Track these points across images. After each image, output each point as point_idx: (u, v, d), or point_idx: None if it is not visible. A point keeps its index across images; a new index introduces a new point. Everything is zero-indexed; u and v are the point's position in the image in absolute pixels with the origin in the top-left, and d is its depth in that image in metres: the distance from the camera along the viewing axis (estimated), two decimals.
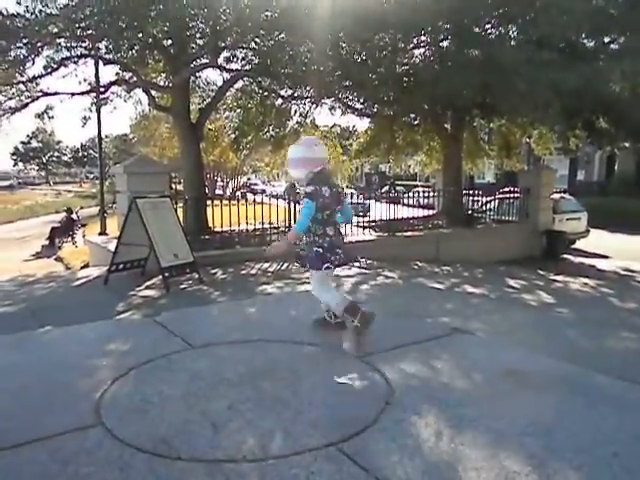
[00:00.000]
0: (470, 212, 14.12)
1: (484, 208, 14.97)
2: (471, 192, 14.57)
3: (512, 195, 14.90)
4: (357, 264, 2.92)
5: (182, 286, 6.60)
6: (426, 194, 17.69)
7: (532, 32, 9.81)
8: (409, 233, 11.75)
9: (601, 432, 1.60)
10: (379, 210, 12.51)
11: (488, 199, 15.31)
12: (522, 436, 1.57)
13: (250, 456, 1.46)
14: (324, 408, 1.78)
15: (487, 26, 11.44)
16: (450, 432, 1.60)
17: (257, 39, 8.44)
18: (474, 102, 11.72)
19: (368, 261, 8.64)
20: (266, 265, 8.08)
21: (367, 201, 20.28)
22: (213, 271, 7.60)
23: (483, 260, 10.73)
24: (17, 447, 1.50)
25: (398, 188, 22.27)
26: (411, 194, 17.95)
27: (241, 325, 2.81)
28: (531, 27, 9.82)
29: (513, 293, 7.33)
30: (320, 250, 2.71)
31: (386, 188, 24.30)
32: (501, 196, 15.71)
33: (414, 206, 17.64)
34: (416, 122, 13.98)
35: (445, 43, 11.97)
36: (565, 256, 13.64)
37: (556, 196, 15.83)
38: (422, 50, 12.31)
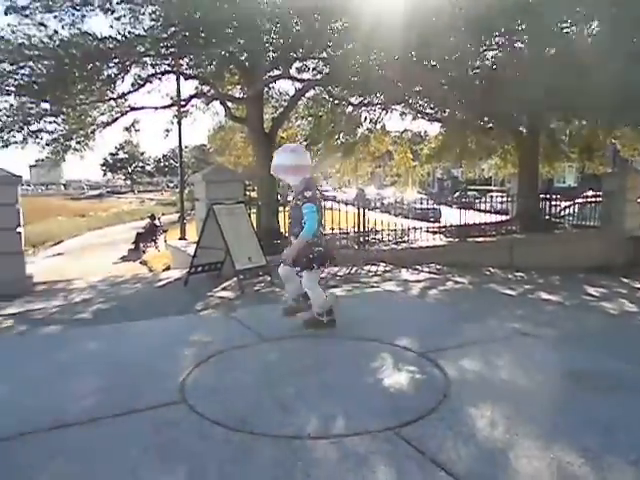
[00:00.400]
0: (547, 217, 13.58)
1: (563, 213, 14.35)
2: (548, 196, 14.00)
3: (594, 199, 14.18)
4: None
5: (255, 288, 6.91)
6: (499, 199, 17.22)
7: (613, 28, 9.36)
8: (481, 239, 11.49)
9: None
10: (451, 216, 12.36)
11: (567, 203, 14.66)
12: (578, 431, 1.61)
13: (314, 434, 1.61)
14: (383, 397, 1.90)
15: (565, 25, 11.04)
16: (505, 423, 1.67)
17: (327, 50, 8.67)
18: (551, 105, 11.31)
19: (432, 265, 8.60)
20: (336, 269, 8.25)
21: (438, 207, 19.96)
22: None
23: (561, 267, 10.28)
24: (116, 417, 1.74)
25: (470, 193, 21.76)
26: (483, 199, 17.54)
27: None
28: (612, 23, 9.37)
29: (591, 301, 7.03)
30: (321, 250, 2.92)
31: (457, 194, 23.82)
32: (582, 200, 14.98)
33: (488, 212, 17.20)
34: (489, 126, 13.64)
35: (520, 44, 11.66)
36: None
37: None
38: (495, 52, 12.06)
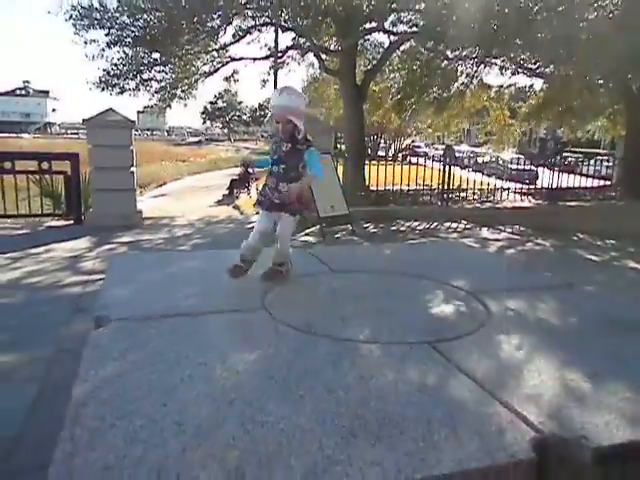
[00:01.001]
0: None
1: None
2: None
3: None
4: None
5: (336, 235, 7.33)
6: (605, 163, 16.09)
7: None
8: (573, 203, 11.04)
9: None
10: (551, 178, 11.87)
11: None
12: (594, 361, 1.83)
13: (363, 339, 1.99)
14: (428, 321, 2.22)
15: None
16: (529, 350, 1.93)
17: (422, 1, 8.57)
18: None
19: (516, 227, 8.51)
20: (416, 223, 8.46)
21: (535, 168, 19.08)
22: (366, 225, 8.21)
23: None
24: (212, 313, 2.23)
25: (572, 155, 20.45)
26: (588, 162, 16.46)
27: (376, 260, 3.33)
28: None
29: None
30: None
31: (560, 156, 22.42)
32: None
33: (592, 176, 16.21)
34: (597, 83, 12.71)
35: None
36: None
37: None
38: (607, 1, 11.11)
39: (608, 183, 14.38)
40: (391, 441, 1.34)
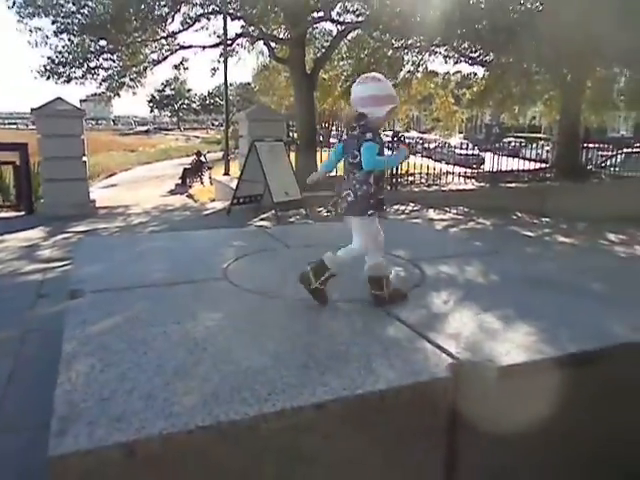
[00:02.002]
0: (587, 166, 13.56)
1: (607, 163, 14.23)
2: (591, 145, 13.90)
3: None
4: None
5: (291, 219, 7.61)
6: (546, 147, 17.02)
7: None
8: (513, 184, 11.74)
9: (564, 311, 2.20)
10: (495, 162, 12.53)
11: (612, 153, 14.49)
12: (508, 308, 2.21)
13: None
14: None
15: None
16: (455, 302, 2.29)
17: None
18: (597, 51, 11.11)
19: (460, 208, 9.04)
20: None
21: (481, 153, 19.91)
22: (319, 209, 8.51)
23: (593, 216, 10.46)
24: (178, 284, 2.48)
25: (513, 140, 21.46)
26: (530, 146, 17.35)
27: (327, 236, 3.64)
28: None
29: (606, 245, 7.39)
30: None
31: (507, 140, 23.44)
32: (628, 150, 14.76)
33: (534, 160, 17.15)
34: (532, 71, 13.44)
35: None
36: None
37: None
38: None
39: (546, 165, 15.25)
40: (338, 370, 1.65)
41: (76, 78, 10.46)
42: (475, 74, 17.84)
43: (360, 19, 10.55)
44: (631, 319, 2.12)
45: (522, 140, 22.41)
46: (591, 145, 13.91)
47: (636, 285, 2.73)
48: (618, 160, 14.18)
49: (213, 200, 11.25)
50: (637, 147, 14.12)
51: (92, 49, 10.14)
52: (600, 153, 14.16)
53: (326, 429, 1.48)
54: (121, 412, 1.39)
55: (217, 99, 67.73)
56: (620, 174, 13.56)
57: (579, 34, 9.79)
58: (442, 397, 1.64)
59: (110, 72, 11.24)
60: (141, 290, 2.37)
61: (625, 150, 14.63)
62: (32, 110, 7.49)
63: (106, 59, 10.79)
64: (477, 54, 13.41)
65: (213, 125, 72.55)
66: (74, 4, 8.95)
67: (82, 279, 2.51)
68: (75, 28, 9.28)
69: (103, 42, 10.15)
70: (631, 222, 10.24)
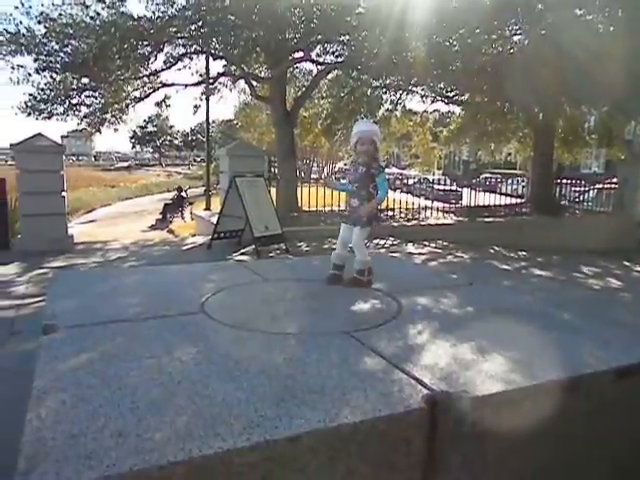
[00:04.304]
0: (561, 201, 13.94)
1: (580, 198, 14.66)
2: (564, 181, 14.33)
3: (611, 185, 14.45)
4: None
5: (271, 254, 7.62)
6: (523, 183, 17.47)
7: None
8: (490, 219, 11.98)
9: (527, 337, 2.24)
10: (473, 198, 12.82)
11: (584, 189, 14.95)
12: (478, 339, 2.25)
13: (292, 332, 2.30)
14: (348, 316, 2.57)
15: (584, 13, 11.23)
16: (430, 333, 2.32)
17: (346, 35, 9.19)
18: (567, 92, 11.61)
19: (439, 242, 9.17)
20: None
21: (460, 189, 20.34)
22: (299, 244, 8.57)
23: (567, 250, 10.69)
24: (155, 318, 2.46)
25: (491, 176, 22.00)
26: (507, 182, 17.77)
27: (306, 271, 3.67)
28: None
29: (580, 278, 7.54)
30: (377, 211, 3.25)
31: (481, 177, 24.01)
32: (599, 186, 15.24)
33: (511, 195, 17.58)
34: (506, 110, 13.96)
35: (541, 31, 11.90)
36: None
37: None
38: (516, 38, 12.33)
39: (522, 200, 15.63)
40: (313, 403, 1.65)
41: (58, 114, 10.50)
42: (452, 112, 18.39)
43: (339, 60, 10.88)
44: (600, 349, 2.17)
45: (498, 176, 23.01)
46: (564, 181, 14.36)
47: (607, 316, 2.80)
48: (590, 195, 14.63)
49: (194, 235, 11.21)
50: (608, 183, 14.58)
51: (74, 86, 10.24)
52: (573, 189, 14.61)
53: (301, 462, 1.47)
54: (91, 449, 1.37)
55: (199, 135, 68.23)
56: (592, 209, 13.97)
57: (549, 75, 10.24)
58: (417, 428, 1.64)
59: (92, 109, 11.32)
60: (116, 325, 2.34)
61: (597, 186, 15.12)
62: (11, 146, 7.48)
63: (88, 96, 10.89)
64: (453, 94, 13.90)
65: (195, 161, 72.92)
66: (57, 43, 9.08)
67: (56, 314, 2.48)
68: (58, 66, 9.38)
69: (85, 79, 10.26)
70: (603, 255, 10.51)
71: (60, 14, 9.11)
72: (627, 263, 10.02)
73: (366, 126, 3.26)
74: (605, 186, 14.94)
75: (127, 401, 1.64)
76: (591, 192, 14.76)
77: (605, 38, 10.46)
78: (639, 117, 14.65)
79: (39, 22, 9.16)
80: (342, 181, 3.75)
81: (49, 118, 10.33)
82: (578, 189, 14.70)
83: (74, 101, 10.51)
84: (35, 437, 1.43)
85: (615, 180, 14.15)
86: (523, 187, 17.80)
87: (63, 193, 7.74)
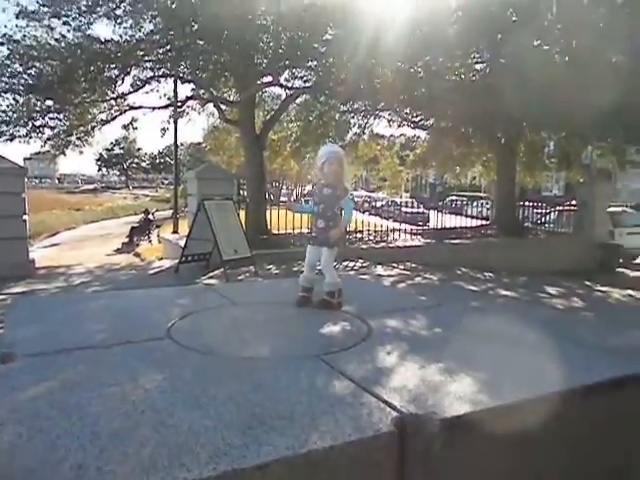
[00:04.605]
0: (523, 223, 14.33)
1: (542, 220, 15.11)
2: (526, 204, 14.76)
3: (571, 207, 14.96)
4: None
5: (240, 277, 7.55)
6: (488, 205, 17.89)
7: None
8: (457, 241, 12.19)
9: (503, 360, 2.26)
10: (439, 220, 13.05)
11: (545, 211, 15.42)
12: (447, 360, 2.27)
13: (261, 357, 2.27)
14: (317, 339, 2.56)
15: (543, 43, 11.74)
16: (399, 355, 2.32)
17: (314, 61, 9.36)
18: (527, 118, 12.05)
19: (408, 264, 9.27)
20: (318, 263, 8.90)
21: (427, 211, 20.68)
22: (268, 266, 8.52)
23: (531, 270, 10.94)
24: (119, 344, 2.39)
25: (457, 198, 22.47)
26: (472, 205, 18.16)
27: (274, 293, 3.64)
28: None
29: (545, 298, 7.71)
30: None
31: (448, 199, 24.52)
32: (560, 208, 15.76)
33: (476, 217, 17.96)
34: (470, 135, 14.37)
35: (501, 60, 12.37)
36: (621, 270, 13.54)
37: (618, 210, 15.67)
38: (478, 65, 12.77)
39: (487, 222, 16.00)
40: (282, 429, 1.62)
41: (20, 137, 10.27)
42: (418, 137, 18.84)
43: (307, 85, 11.04)
44: (565, 368, 2.22)
45: (464, 198, 23.54)
46: (527, 203, 14.80)
47: (570, 336, 2.87)
48: (551, 217, 15.11)
49: (161, 259, 11.03)
50: (568, 205, 15.09)
51: (38, 108, 10.05)
52: (535, 211, 15.05)
53: None
54: None
55: (167, 158, 67.69)
56: (554, 230, 14.40)
57: (510, 102, 10.61)
58: (387, 452, 1.63)
59: (56, 131, 11.12)
60: (78, 352, 2.27)
61: (557, 208, 15.62)
62: None
63: (52, 118, 10.70)
64: (418, 119, 14.24)
65: (163, 184, 72.20)
66: (21, 65, 8.93)
67: (15, 342, 2.38)
68: (21, 88, 9.21)
69: (50, 102, 10.09)
70: (565, 276, 10.81)
71: (24, 36, 9.00)
72: (588, 283, 10.32)
73: (334, 148, 3.33)
74: (565, 208, 15.46)
75: (88, 432, 1.57)
76: (552, 214, 15.22)
77: (561, 67, 10.97)
78: (595, 142, 15.31)
79: (1, 44, 9.01)
80: (305, 204, 3.71)
81: (11, 140, 10.09)
82: (540, 211, 15.15)
83: (37, 123, 10.31)
84: None
85: (574, 202, 14.66)
86: (487, 209, 18.23)
87: (24, 216, 7.52)
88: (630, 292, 9.34)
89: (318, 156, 3.21)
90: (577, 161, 16.84)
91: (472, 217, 16.95)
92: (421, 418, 1.73)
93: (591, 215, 13.57)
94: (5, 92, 9.27)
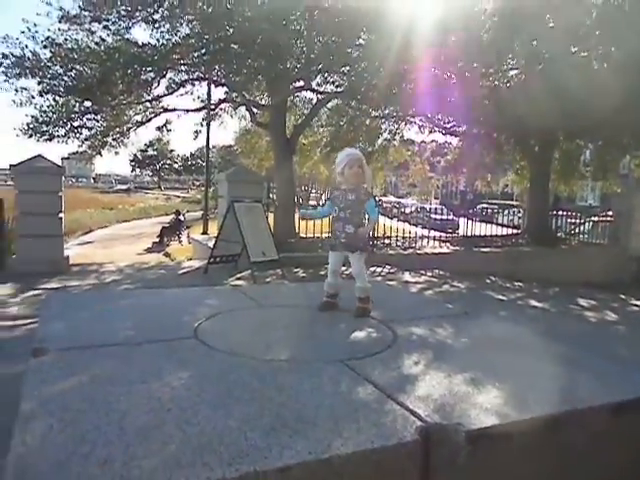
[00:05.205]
0: (557, 233, 14.01)
1: (576, 230, 14.74)
2: (560, 213, 14.43)
3: (606, 218, 14.56)
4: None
5: (267, 280, 7.60)
6: (519, 214, 17.56)
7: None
8: (487, 249, 11.99)
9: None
10: (470, 227, 12.88)
11: (580, 221, 15.04)
12: (473, 370, 2.23)
13: (286, 359, 2.28)
14: (342, 344, 2.55)
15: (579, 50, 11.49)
16: (424, 364, 2.29)
17: (346, 66, 9.38)
18: (563, 125, 11.80)
19: (436, 271, 9.17)
20: (343, 268, 8.89)
21: (457, 218, 20.45)
22: (295, 270, 8.55)
23: (563, 281, 10.68)
24: (148, 342, 2.43)
25: (487, 206, 22.14)
26: (503, 213, 17.85)
27: (301, 297, 3.65)
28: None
29: (577, 310, 7.52)
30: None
31: (481, 206, 24.16)
32: (595, 219, 15.35)
33: (507, 226, 17.66)
34: (503, 142, 14.14)
35: (538, 66, 12.14)
36: None
37: None
38: (514, 72, 12.57)
39: (518, 231, 15.70)
40: (305, 433, 1.62)
41: (59, 137, 10.57)
42: (449, 143, 18.63)
43: (339, 89, 11.06)
44: (596, 383, 2.15)
45: (495, 206, 23.17)
46: (560, 212, 14.46)
47: (603, 350, 2.78)
48: (586, 228, 14.72)
49: (190, 259, 11.19)
50: (603, 216, 14.68)
51: (76, 109, 10.34)
52: (569, 220, 14.70)
53: None
54: (76, 477, 1.34)
55: (199, 160, 68.72)
56: (588, 241, 14.03)
57: (545, 109, 10.41)
58: (410, 461, 1.61)
59: (93, 132, 11.41)
60: (107, 349, 2.31)
61: (592, 218, 15.22)
62: (11, 166, 7.51)
63: (90, 119, 10.97)
64: (450, 125, 14.10)
65: (194, 185, 73.30)
66: (61, 67, 9.22)
67: (47, 337, 2.45)
68: (61, 89, 9.49)
69: (88, 103, 10.36)
70: (598, 288, 10.51)
71: (66, 39, 9.29)
72: (622, 296, 10.01)
73: (353, 151, 3.26)
74: (600, 219, 15.05)
75: (115, 427, 1.60)
76: (587, 224, 14.84)
77: (599, 74, 10.71)
78: (633, 152, 14.88)
79: (44, 47, 9.32)
80: (313, 209, 3.67)
81: (50, 140, 10.39)
82: (574, 221, 14.78)
83: (76, 124, 10.60)
84: (19, 464, 1.40)
85: (610, 213, 14.25)
86: (519, 218, 17.89)
87: (61, 214, 7.74)
88: None
89: (337, 161, 3.17)
90: (614, 170, 16.41)
91: (503, 225, 16.64)
92: (447, 428, 1.70)
93: (627, 226, 13.16)
94: (46, 93, 9.57)
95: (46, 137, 10.31)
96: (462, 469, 1.64)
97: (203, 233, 14.57)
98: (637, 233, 13.28)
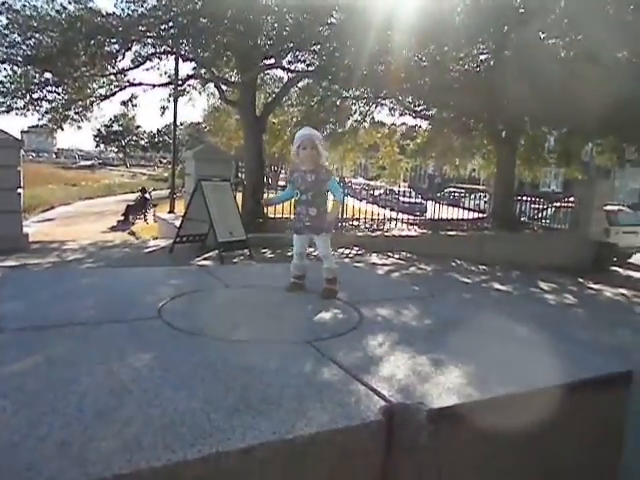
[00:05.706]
0: (520, 217, 14.34)
1: (539, 215, 15.11)
2: (524, 198, 14.76)
3: (568, 204, 14.96)
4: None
5: (234, 260, 7.53)
6: (485, 198, 17.87)
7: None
8: (453, 232, 12.19)
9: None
10: (437, 211, 13.03)
11: (543, 206, 15.42)
12: (436, 351, 2.27)
13: (252, 340, 2.26)
14: (308, 325, 2.55)
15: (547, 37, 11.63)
16: (389, 345, 2.32)
17: (317, 44, 9.25)
18: (529, 112, 11.98)
19: (403, 254, 9.27)
20: (310, 249, 8.88)
21: (424, 202, 20.66)
22: (263, 250, 8.50)
23: (526, 264, 10.96)
24: (110, 322, 2.37)
25: (455, 190, 22.44)
26: (470, 197, 18.12)
27: (267, 278, 3.63)
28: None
29: (538, 293, 7.73)
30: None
31: (448, 190, 24.48)
32: (557, 204, 15.77)
33: (473, 210, 17.94)
34: (471, 126, 14.29)
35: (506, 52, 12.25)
36: (615, 268, 13.59)
37: (614, 208, 15.68)
38: (483, 57, 12.65)
39: (484, 215, 16.00)
40: (269, 413, 1.61)
41: (17, 109, 10.12)
42: (419, 126, 18.67)
43: (310, 68, 10.91)
44: (555, 364, 2.22)
45: (462, 190, 23.50)
46: (524, 198, 14.79)
47: (562, 331, 2.87)
48: (548, 213, 15.11)
49: (156, 238, 10.99)
50: (565, 202, 15.08)
51: (36, 80, 9.89)
52: (533, 206, 15.06)
53: (253, 475, 1.43)
54: (31, 460, 1.29)
55: (166, 137, 67.13)
56: (550, 226, 14.42)
57: (512, 95, 10.55)
58: (374, 440, 1.63)
59: (54, 104, 10.96)
60: (67, 328, 2.25)
61: (555, 204, 15.63)
62: None
63: (51, 91, 10.53)
64: (420, 108, 14.14)
65: (161, 163, 71.70)
66: (19, 35, 8.78)
67: (2, 316, 2.36)
68: (19, 58, 9.06)
69: (48, 74, 9.93)
70: (559, 271, 10.84)
71: (24, 5, 8.84)
72: (581, 280, 10.36)
73: (306, 131, 3.09)
74: (562, 204, 15.47)
75: (73, 409, 1.56)
76: (549, 210, 15.23)
77: (567, 62, 10.88)
78: (595, 140, 15.27)
79: (0, 13, 8.85)
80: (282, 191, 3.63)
81: (8, 112, 9.94)
82: (537, 206, 15.15)
83: (35, 96, 10.15)
84: None
85: (572, 199, 14.65)
86: (485, 202, 18.22)
87: (19, 190, 7.46)
88: (622, 291, 9.38)
89: (294, 142, 3.08)
90: (577, 158, 16.83)
91: (469, 209, 16.90)
92: (409, 408, 1.72)
93: (588, 212, 13.57)
94: (3, 62, 9.11)
95: (3, 109, 9.86)
96: (424, 448, 1.67)
97: (170, 212, 14.31)
98: (597, 219, 13.73)
